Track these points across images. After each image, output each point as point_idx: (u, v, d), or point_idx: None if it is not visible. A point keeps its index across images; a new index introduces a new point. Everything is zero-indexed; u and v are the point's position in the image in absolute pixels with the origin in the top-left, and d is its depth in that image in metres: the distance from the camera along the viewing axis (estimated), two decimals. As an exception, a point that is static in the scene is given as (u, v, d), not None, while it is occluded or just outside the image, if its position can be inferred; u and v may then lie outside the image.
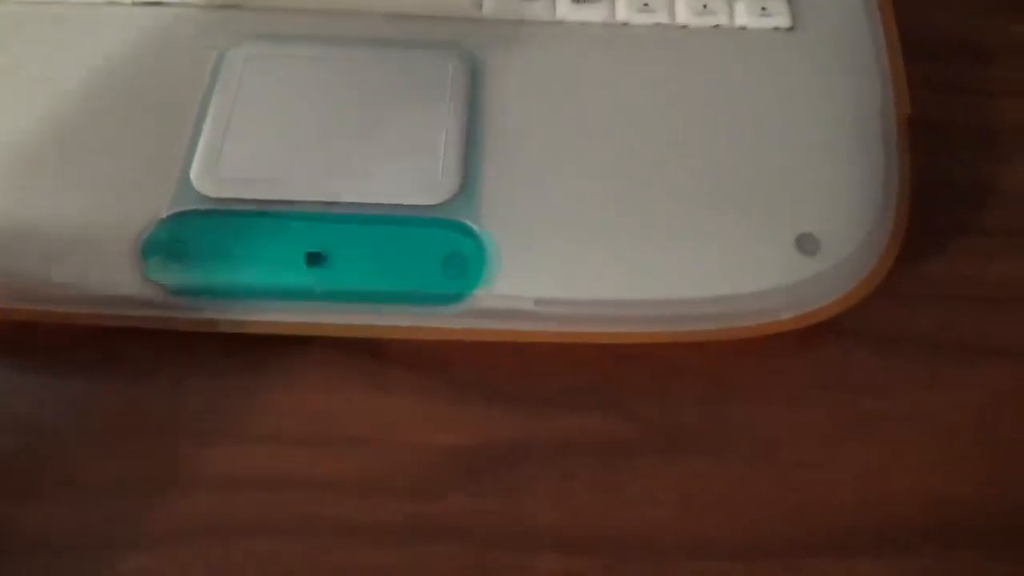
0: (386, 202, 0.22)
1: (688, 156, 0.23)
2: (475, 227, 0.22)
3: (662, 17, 0.26)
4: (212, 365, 0.22)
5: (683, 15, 0.26)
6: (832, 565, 0.20)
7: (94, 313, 0.22)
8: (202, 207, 0.22)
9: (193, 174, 0.22)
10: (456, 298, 0.21)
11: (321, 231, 0.22)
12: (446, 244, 0.22)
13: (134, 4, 0.26)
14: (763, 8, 0.26)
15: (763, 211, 0.22)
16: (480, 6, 0.26)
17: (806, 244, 0.22)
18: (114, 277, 0.21)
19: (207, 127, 0.23)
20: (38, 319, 0.22)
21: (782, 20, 0.26)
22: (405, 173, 0.22)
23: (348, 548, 0.20)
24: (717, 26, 0.26)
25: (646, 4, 0.26)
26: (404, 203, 0.22)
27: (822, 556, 0.20)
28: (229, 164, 0.23)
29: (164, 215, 0.22)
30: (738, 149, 0.23)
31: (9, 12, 0.26)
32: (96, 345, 0.23)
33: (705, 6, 0.26)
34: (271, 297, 0.22)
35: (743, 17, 0.26)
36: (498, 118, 0.24)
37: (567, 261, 0.22)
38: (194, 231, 0.22)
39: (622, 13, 0.26)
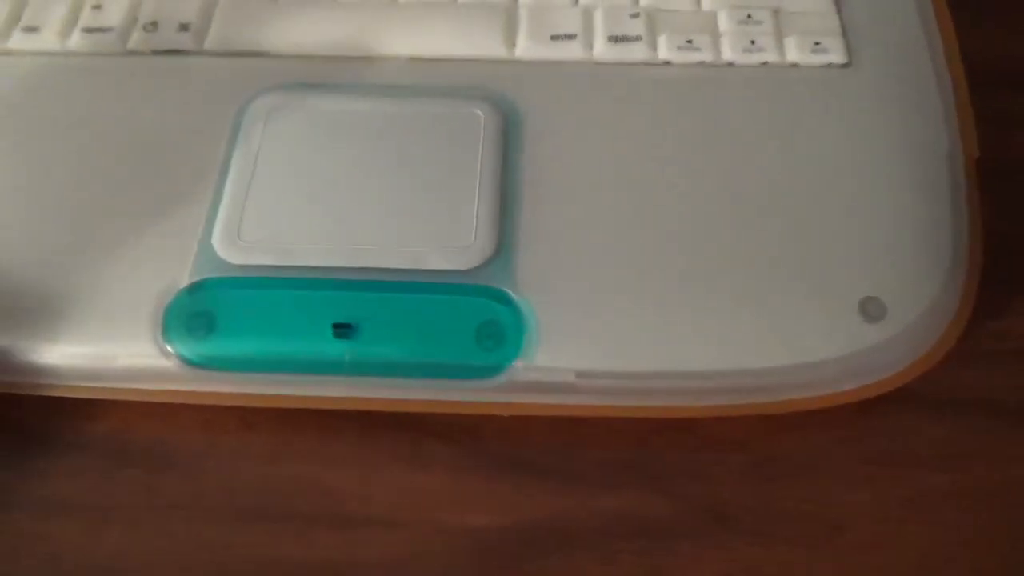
0: (417, 267, 0.21)
1: (738, 212, 0.22)
2: (512, 294, 0.20)
3: (707, 55, 0.25)
4: (235, 440, 0.21)
5: (729, 52, 0.25)
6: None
7: (111, 388, 0.21)
8: (225, 274, 0.21)
9: (215, 239, 0.21)
10: (492, 371, 0.20)
11: (349, 300, 0.20)
12: (481, 313, 0.20)
13: (154, 53, 0.25)
14: (816, 43, 0.25)
15: (821, 273, 0.21)
16: (513, 47, 0.25)
17: (870, 309, 0.20)
18: (134, 348, 0.20)
19: (228, 187, 0.22)
20: (55, 394, 0.21)
21: (836, 56, 0.25)
22: (436, 236, 0.21)
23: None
24: (766, 63, 0.25)
25: (689, 41, 0.25)
26: (436, 268, 0.21)
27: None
28: (252, 227, 0.21)
29: (186, 283, 0.21)
30: (793, 203, 0.22)
31: (23, 63, 0.25)
32: (113, 420, 0.22)
33: (753, 42, 0.25)
34: (297, 370, 0.20)
35: (794, 53, 0.25)
36: (534, 172, 0.23)
37: (611, 331, 0.20)
38: (217, 300, 0.21)
39: (663, 52, 0.25)
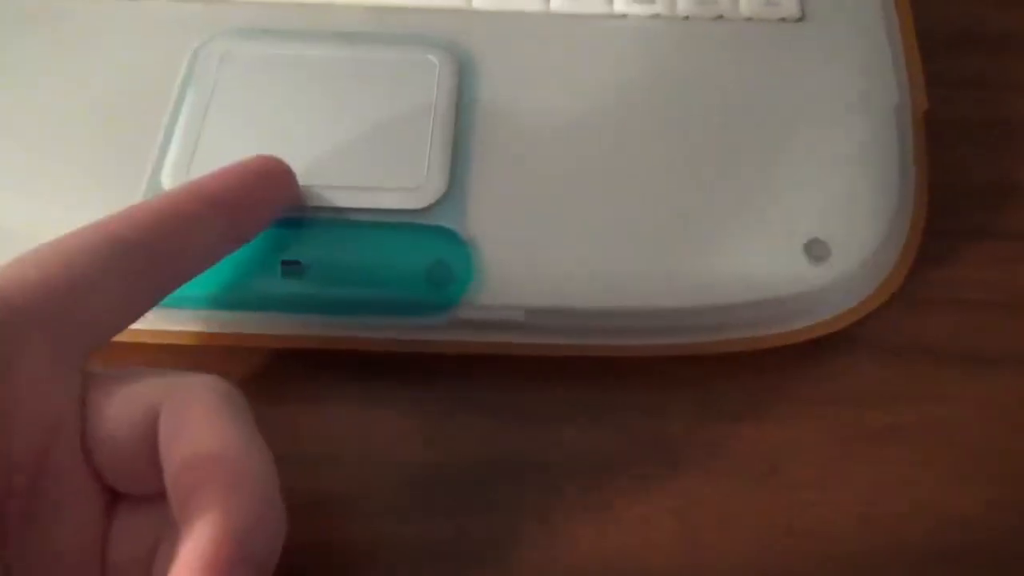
0: (368, 207, 0.21)
1: (688, 157, 0.22)
2: (461, 233, 0.21)
3: (662, 7, 0.25)
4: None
5: (684, 5, 0.25)
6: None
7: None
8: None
9: (164, 176, 0.21)
10: (442, 309, 0.20)
11: (298, 238, 0.20)
12: (431, 251, 0.20)
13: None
14: (769, -2, 0.25)
15: (768, 215, 0.21)
16: (470, -3, 0.25)
17: (815, 251, 0.20)
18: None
19: (180, 127, 0.22)
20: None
21: (790, 10, 0.25)
22: (388, 176, 0.21)
23: (326, 570, 0.19)
24: (720, 17, 0.25)
25: (646, -6, 0.25)
26: (387, 207, 0.21)
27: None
28: (202, 166, 0.21)
29: (134, 220, 0.21)
30: (742, 149, 0.22)
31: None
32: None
33: (708, -5, 0.25)
34: (245, 308, 0.20)
35: (748, 7, 0.25)
36: (487, 117, 0.23)
37: (558, 269, 0.20)
38: (165, 237, 0.21)
39: (620, 5, 0.25)
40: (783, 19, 0.25)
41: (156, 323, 0.21)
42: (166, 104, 0.22)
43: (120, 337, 0.21)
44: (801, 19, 0.25)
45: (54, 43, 0.24)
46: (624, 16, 0.25)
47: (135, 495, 0.16)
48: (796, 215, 0.21)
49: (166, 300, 0.20)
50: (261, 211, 0.19)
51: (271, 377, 0.21)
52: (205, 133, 0.22)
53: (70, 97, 0.23)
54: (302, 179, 0.21)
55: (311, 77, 0.23)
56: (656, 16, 0.25)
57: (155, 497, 0.16)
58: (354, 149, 0.22)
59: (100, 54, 0.24)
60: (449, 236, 0.21)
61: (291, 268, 0.20)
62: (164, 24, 0.24)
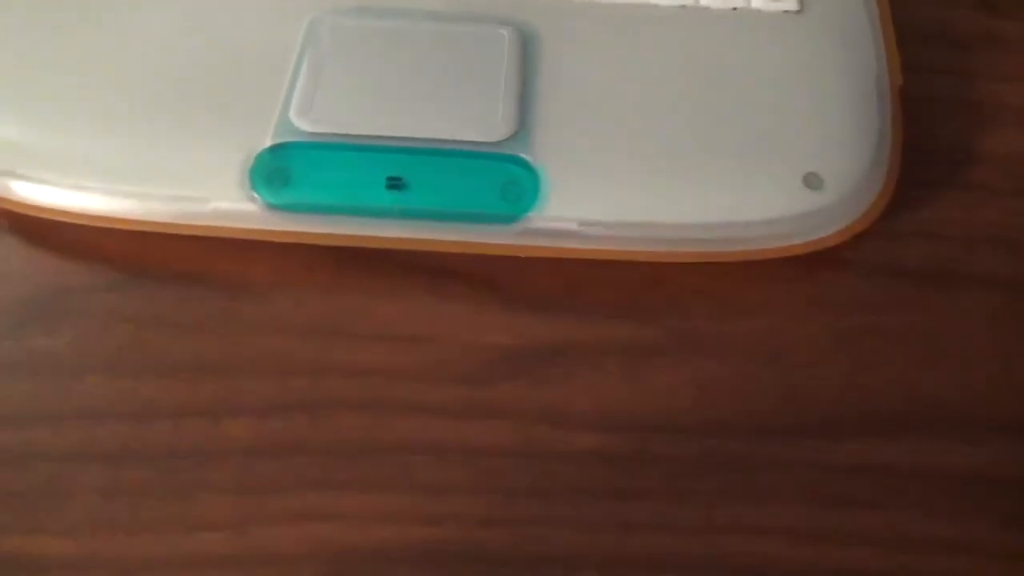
0: (455, 138, 0.26)
1: (712, 111, 0.27)
2: (529, 160, 0.26)
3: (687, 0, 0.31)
4: (301, 274, 0.26)
5: (706, -1, 0.31)
6: (823, 444, 0.24)
7: (203, 225, 0.26)
8: (299, 139, 0.26)
9: (292, 112, 0.26)
10: (511, 219, 0.25)
11: (399, 160, 0.26)
12: (504, 174, 0.26)
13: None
14: (776, -8, 0.31)
15: (775, 152, 0.26)
16: (530, -12, 0.31)
17: (812, 181, 0.26)
18: (225, 194, 0.25)
19: (302, 76, 0.27)
20: (149, 229, 0.26)
21: (790, 4, 0.31)
22: (470, 115, 0.27)
23: (410, 422, 0.24)
24: (735, 8, 0.31)
25: (674, -13, 0.31)
26: (469, 139, 0.26)
27: (814, 437, 0.24)
28: (321, 106, 0.27)
29: (268, 144, 0.26)
30: (754, 106, 0.27)
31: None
32: (203, 256, 0.26)
33: (725, -10, 0.31)
34: (355, 214, 0.26)
35: (758, 1, 0.31)
36: (548, 76, 0.28)
37: (607, 190, 0.26)
38: (292, 158, 0.26)
39: (653, -5, 0.31)
40: (785, 11, 0.30)
41: (280, 224, 0.26)
42: (289, 59, 0.28)
43: (250, 235, 0.26)
44: (800, 11, 0.30)
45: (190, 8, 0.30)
46: (656, 6, 0.31)
47: None
48: (797, 153, 0.26)
49: (288, 205, 0.25)
50: None
51: (371, 274, 0.26)
52: (322, 82, 0.27)
53: (212, 51, 0.28)
54: (402, 115, 0.26)
55: (404, 44, 0.29)
56: (683, 7, 0.31)
57: None
58: (442, 96, 0.27)
59: (232, 18, 0.29)
60: (519, 162, 0.26)
61: (394, 182, 0.25)
62: (279, 5, 0.30)
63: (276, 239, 0.26)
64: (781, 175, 0.26)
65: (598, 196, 0.26)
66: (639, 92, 0.28)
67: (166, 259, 0.27)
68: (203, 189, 0.26)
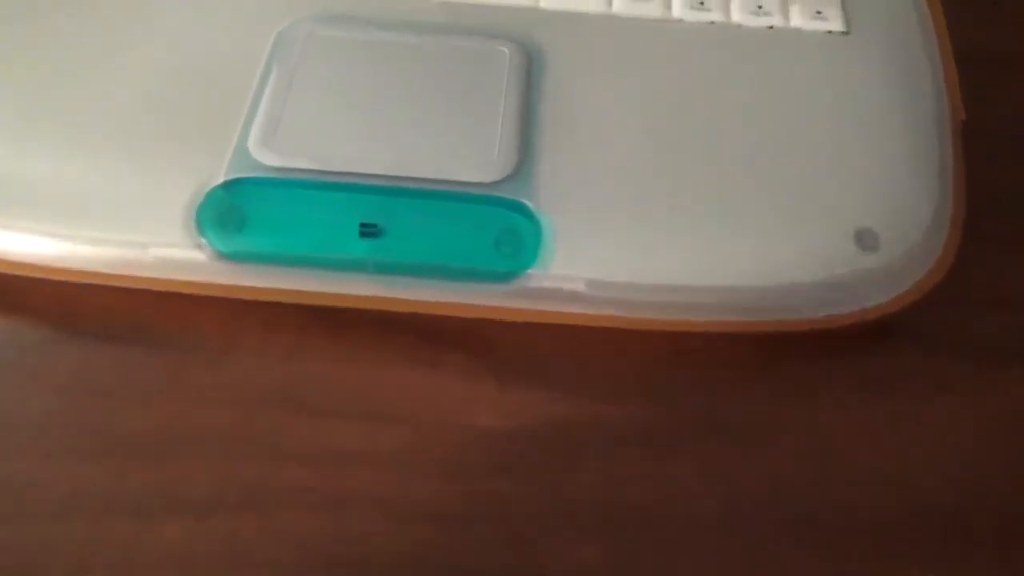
0: (442, 178, 0.22)
1: (746, 149, 0.23)
2: (530, 205, 0.22)
3: (717, 15, 0.26)
4: (258, 334, 0.22)
5: (738, 14, 0.27)
6: (874, 550, 0.20)
7: (144, 277, 0.22)
8: (258, 174, 0.22)
9: (251, 142, 0.22)
10: (508, 276, 0.21)
11: (376, 203, 0.22)
12: (500, 222, 0.22)
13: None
14: (817, 12, 0.27)
15: (820, 203, 0.22)
16: (538, -4, 0.27)
17: (865, 239, 0.22)
18: (167, 239, 0.21)
19: (266, 99, 0.23)
20: (80, 279, 0.22)
21: (836, 24, 0.26)
22: (462, 150, 0.23)
23: (379, 523, 0.20)
24: (772, 27, 0.26)
25: (701, 2, 0.27)
26: (460, 179, 0.22)
27: (864, 543, 0.20)
28: (286, 135, 0.23)
29: (220, 180, 0.22)
30: (796, 144, 0.23)
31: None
32: (144, 310, 0.22)
33: (760, 7, 0.27)
34: (322, 266, 0.21)
35: (797, 19, 0.27)
36: (554, 103, 0.24)
37: (621, 244, 0.22)
38: (249, 197, 0.22)
39: (677, 10, 0.27)
40: (829, 31, 0.26)
41: (231, 277, 0.22)
42: (251, 79, 0.24)
43: (196, 289, 0.22)
44: (846, 32, 0.26)
45: (141, 11, 0.25)
46: (681, 21, 0.27)
47: None
48: (847, 205, 0.22)
49: (242, 255, 0.21)
50: None
51: (341, 336, 0.22)
52: (289, 105, 0.23)
53: (156, 64, 0.24)
54: (381, 148, 0.22)
55: (388, 61, 0.25)
56: (711, 23, 0.26)
57: None
58: (430, 124, 0.23)
59: (188, 26, 0.25)
60: (517, 208, 0.22)
61: (369, 229, 0.21)
62: (251, 5, 0.26)
63: (229, 294, 0.22)
64: (828, 231, 0.22)
65: (610, 251, 0.21)
66: (659, 125, 0.24)
67: (100, 315, 0.22)
68: (143, 232, 0.21)
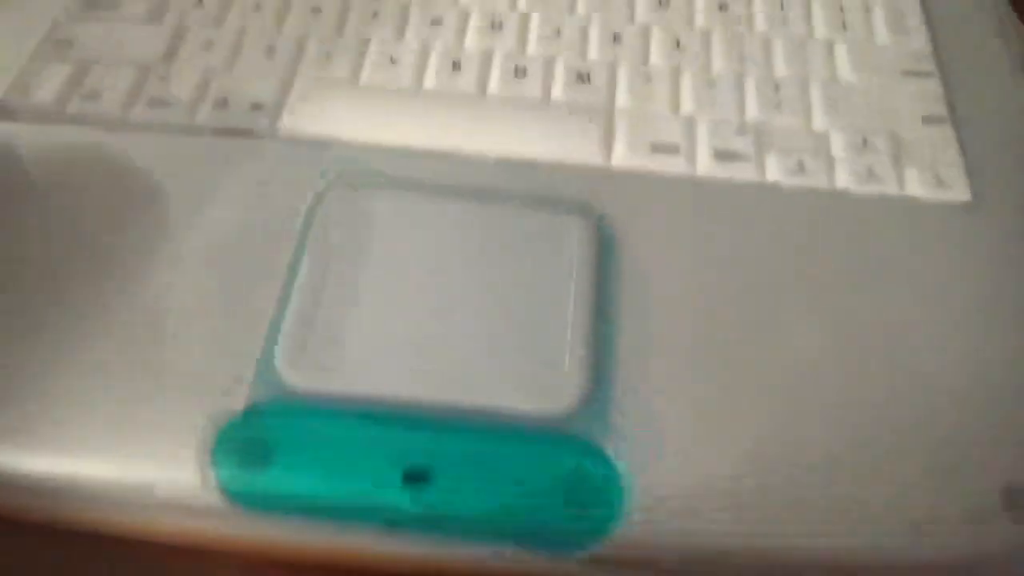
0: (502, 408, 0.18)
1: (856, 371, 0.19)
2: (607, 449, 0.18)
3: (820, 181, 0.23)
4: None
5: (844, 180, 0.23)
6: None
7: (152, 521, 0.18)
8: (286, 399, 0.19)
9: (277, 357, 0.19)
10: (580, 539, 0.18)
11: (424, 442, 0.18)
12: (571, 470, 0.18)
13: (222, 133, 0.23)
14: (937, 177, 0.23)
15: (953, 449, 0.18)
16: (609, 154, 0.23)
17: (1015, 500, 0.18)
18: (176, 477, 0.18)
19: (295, 296, 0.20)
20: (82, 527, 0.19)
21: (960, 193, 0.23)
22: (524, 372, 0.19)
23: None
24: (883, 195, 0.23)
25: (801, 164, 0.23)
26: (521, 410, 0.19)
27: None
28: (319, 345, 0.19)
29: (241, 407, 0.19)
30: (917, 366, 0.20)
31: (78, 133, 0.23)
32: (142, 558, 0.19)
33: (871, 170, 0.23)
34: (359, 519, 0.18)
35: (914, 186, 0.23)
36: (631, 300, 0.20)
37: (722, 500, 0.18)
38: (275, 429, 0.18)
39: (772, 173, 0.23)
40: (952, 202, 0.22)
41: (255, 528, 0.18)
42: (281, 265, 0.20)
43: (208, 540, 0.19)
44: (971, 203, 0.23)
45: (158, 181, 0.22)
46: (777, 186, 0.23)
47: None
48: (989, 454, 0.18)
49: (268, 502, 0.18)
50: None
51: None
52: (322, 302, 0.20)
53: (171, 248, 0.21)
54: (428, 367, 0.19)
55: (437, 241, 0.21)
56: (813, 190, 0.23)
57: None
58: (485, 333, 0.20)
59: (209, 199, 0.22)
60: (593, 452, 0.18)
61: (415, 475, 0.18)
62: (281, 170, 0.22)
63: (246, 547, 0.18)
64: (965, 490, 0.18)
65: (707, 509, 0.18)
66: (761, 334, 0.20)
67: (96, 567, 0.19)
68: (146, 469, 0.18)
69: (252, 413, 0.18)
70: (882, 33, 0.26)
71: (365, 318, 0.20)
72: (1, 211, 0.21)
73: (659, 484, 0.18)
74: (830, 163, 0.23)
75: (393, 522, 0.18)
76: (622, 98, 0.24)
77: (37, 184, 0.22)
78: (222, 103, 0.23)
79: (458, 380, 0.19)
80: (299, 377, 0.19)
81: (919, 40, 0.26)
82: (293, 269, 0.20)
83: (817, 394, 0.19)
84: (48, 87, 0.24)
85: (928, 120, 0.24)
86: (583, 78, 0.25)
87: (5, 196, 0.22)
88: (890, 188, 0.23)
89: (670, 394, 0.19)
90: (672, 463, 0.18)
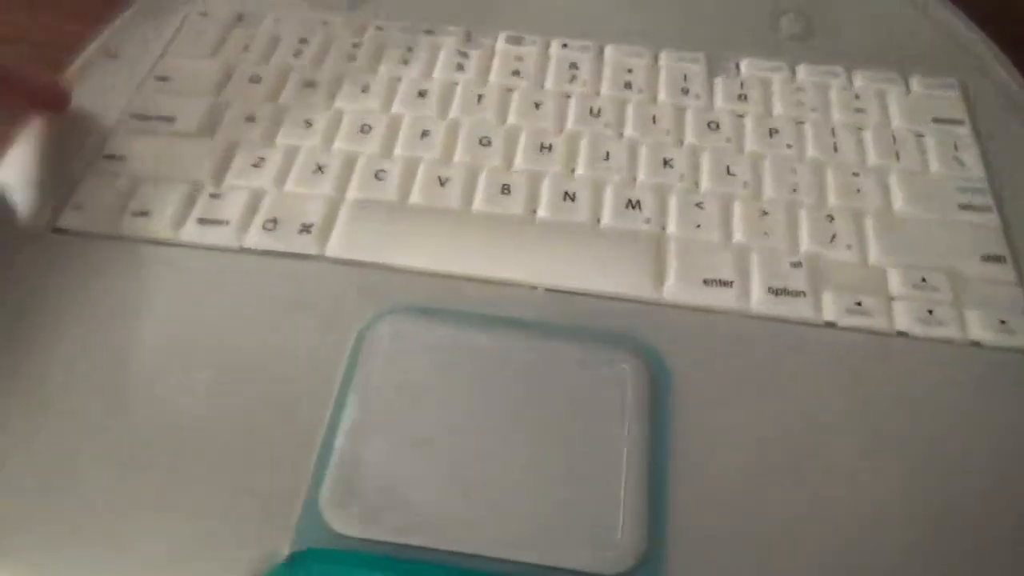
0: (556, 567, 0.18)
1: (914, 524, 0.19)
2: (667, 616, 0.17)
3: (878, 322, 0.22)
4: None
5: (903, 321, 0.22)
6: None
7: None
8: (333, 546, 0.18)
9: (323, 499, 0.18)
10: None
11: (472, 602, 0.17)
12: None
13: (271, 254, 0.23)
14: (1002, 321, 0.22)
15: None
16: (660, 286, 0.23)
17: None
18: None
19: (342, 434, 0.19)
20: None
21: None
22: (577, 525, 0.18)
23: None
24: (945, 339, 0.22)
25: (858, 304, 0.22)
26: (577, 569, 0.18)
27: None
28: (366, 489, 0.19)
29: (287, 551, 0.18)
30: (980, 526, 0.19)
31: (128, 250, 0.23)
32: None
33: (931, 312, 0.22)
34: None
35: (977, 330, 0.22)
36: (686, 446, 0.20)
37: None
38: (318, 578, 0.18)
39: (829, 312, 0.22)
40: (1019, 349, 0.22)
41: None
42: (328, 398, 0.20)
43: None
44: (1037, 348, 0.22)
45: (204, 298, 0.22)
46: (833, 326, 0.22)
47: None
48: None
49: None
50: None
51: None
52: (370, 442, 0.19)
53: (216, 375, 0.20)
54: (478, 518, 0.18)
55: (488, 376, 0.21)
56: (870, 331, 0.22)
57: None
58: (537, 481, 0.19)
59: (256, 322, 0.21)
60: (650, 615, 0.17)
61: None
62: (328, 294, 0.22)
63: None
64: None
65: None
66: (818, 483, 0.19)
67: None
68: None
69: (298, 558, 0.18)
70: (935, 161, 0.26)
71: (413, 462, 0.19)
72: (53, 322, 0.21)
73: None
74: (888, 302, 0.22)
75: None
76: (672, 225, 0.24)
77: (94, 301, 0.22)
78: (271, 224, 0.23)
79: (511, 536, 0.18)
80: (344, 523, 0.18)
81: (974, 170, 0.26)
82: (340, 401, 0.20)
83: (872, 544, 0.18)
84: (100, 204, 0.24)
85: (988, 258, 0.23)
86: (632, 204, 0.24)
87: (60, 309, 0.22)
88: (951, 331, 0.22)
89: (728, 551, 0.18)
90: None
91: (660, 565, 0.18)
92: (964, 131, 0.27)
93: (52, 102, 0.26)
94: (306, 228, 0.23)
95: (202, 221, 0.24)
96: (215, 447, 0.19)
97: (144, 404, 0.20)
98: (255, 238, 0.23)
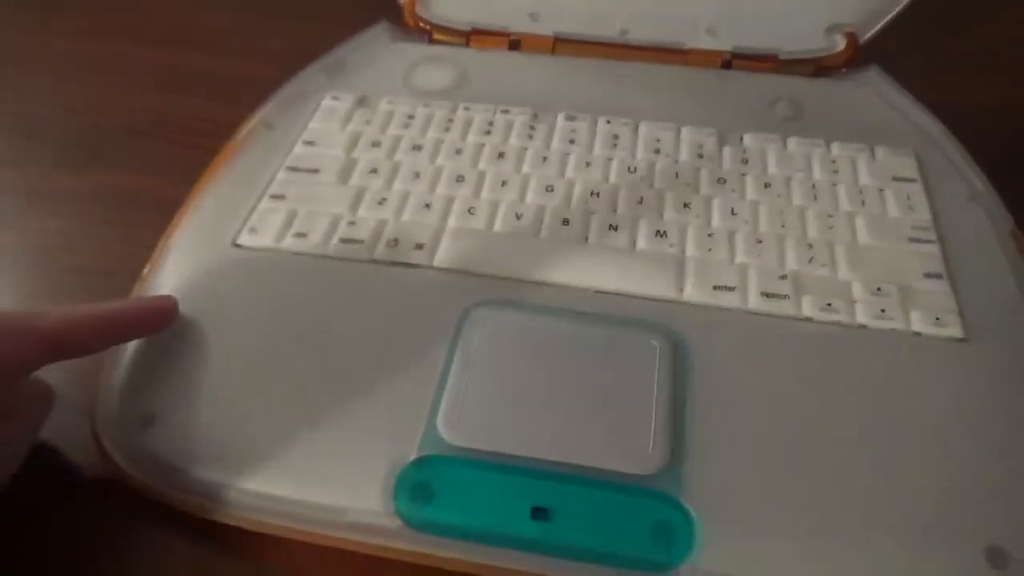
0: (604, 467, 0.25)
1: (875, 455, 0.26)
2: (683, 501, 0.24)
3: (844, 317, 0.30)
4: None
5: (862, 316, 0.30)
6: None
7: (339, 537, 0.25)
8: (445, 453, 0.26)
9: (439, 421, 0.26)
10: (662, 567, 0.24)
11: (547, 488, 0.25)
12: (655, 514, 0.24)
13: (393, 264, 0.31)
14: (937, 318, 0.30)
15: (948, 519, 0.24)
16: (681, 291, 0.31)
17: (996, 557, 0.23)
18: (365, 507, 0.25)
19: (451, 379, 0.27)
20: (287, 535, 0.25)
21: (954, 331, 0.29)
22: (619, 442, 0.26)
23: None
24: (893, 330, 0.29)
25: (829, 304, 0.30)
26: (620, 470, 0.25)
27: None
28: (468, 415, 0.26)
29: (413, 456, 0.25)
30: (923, 455, 0.26)
31: (292, 261, 0.32)
32: (330, 569, 0.26)
33: (883, 311, 0.30)
34: (495, 543, 0.24)
35: (918, 324, 0.29)
36: (701, 396, 0.27)
37: (771, 549, 0.24)
38: (437, 475, 0.25)
39: (807, 310, 0.30)
40: (949, 337, 0.29)
41: (415, 545, 0.25)
42: (439, 357, 0.28)
43: (381, 552, 0.25)
44: (964, 340, 0.29)
45: (349, 296, 0.30)
46: (809, 320, 0.30)
47: None
48: (975, 520, 0.24)
49: (428, 526, 0.24)
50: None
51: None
52: (470, 385, 0.27)
53: (360, 343, 0.29)
54: (550, 436, 0.26)
55: (553, 346, 0.29)
56: (838, 323, 0.30)
57: None
58: (591, 413, 0.26)
59: (386, 310, 0.30)
60: (672, 503, 0.24)
61: (539, 513, 0.24)
62: (436, 292, 0.30)
63: (412, 559, 0.25)
64: (956, 549, 0.24)
65: (758, 555, 0.24)
66: (797, 425, 0.26)
67: (284, 567, 0.26)
68: (343, 498, 0.25)
69: (421, 462, 0.25)
70: (893, 209, 0.34)
71: (500, 397, 0.27)
72: (250, 313, 0.30)
73: (722, 531, 0.24)
74: (851, 304, 0.30)
75: (522, 546, 0.24)
76: (690, 249, 0.32)
77: (269, 296, 0.30)
78: (393, 243, 0.32)
79: (574, 445, 0.26)
80: (454, 437, 0.26)
81: (922, 215, 0.34)
82: (448, 360, 0.28)
83: (841, 475, 0.25)
84: (270, 228, 0.33)
85: (929, 275, 0.31)
86: (660, 233, 0.33)
87: (252, 303, 0.30)
88: (898, 324, 0.29)
89: (731, 466, 0.25)
90: (733, 516, 0.24)
91: (679, 470, 0.25)
92: (916, 187, 0.35)
93: (157, 324, 0.29)
94: (419, 246, 0.32)
95: (343, 240, 0.32)
96: (365, 385, 0.27)
97: (318, 361, 0.28)
98: (382, 252, 0.32)
